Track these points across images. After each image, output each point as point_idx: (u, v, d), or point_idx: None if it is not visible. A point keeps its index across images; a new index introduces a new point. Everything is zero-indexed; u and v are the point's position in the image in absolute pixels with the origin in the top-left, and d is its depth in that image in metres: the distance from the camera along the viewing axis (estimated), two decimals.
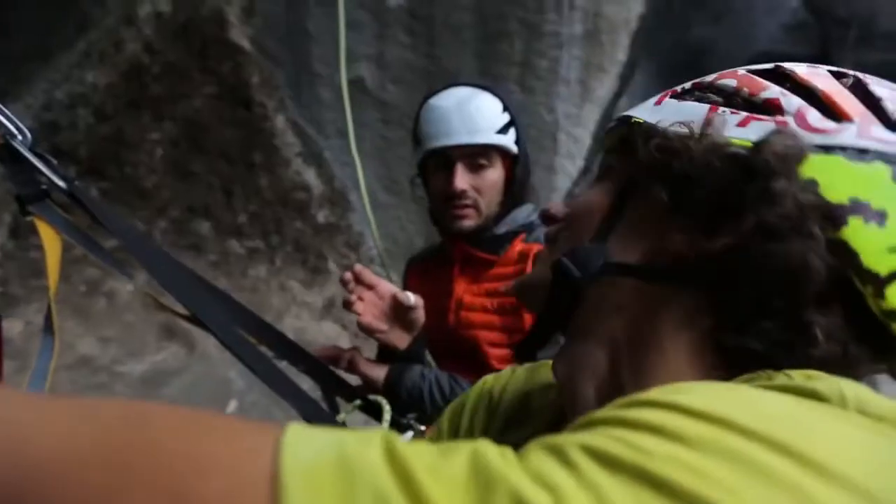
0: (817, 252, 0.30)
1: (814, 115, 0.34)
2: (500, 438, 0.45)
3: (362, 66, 2.69)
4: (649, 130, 0.36)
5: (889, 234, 0.30)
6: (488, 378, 0.52)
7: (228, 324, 0.70)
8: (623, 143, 0.39)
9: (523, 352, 0.42)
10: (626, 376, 0.34)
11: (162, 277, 0.64)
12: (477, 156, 0.89)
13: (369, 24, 2.67)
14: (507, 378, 0.51)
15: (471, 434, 0.49)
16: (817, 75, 0.36)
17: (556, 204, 0.45)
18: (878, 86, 0.35)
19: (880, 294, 0.30)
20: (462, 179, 0.89)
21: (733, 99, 0.36)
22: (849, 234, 0.30)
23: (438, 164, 0.91)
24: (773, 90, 0.35)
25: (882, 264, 0.30)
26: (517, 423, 0.46)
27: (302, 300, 2.77)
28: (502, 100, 0.91)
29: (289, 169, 2.94)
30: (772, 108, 0.34)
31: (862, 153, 0.31)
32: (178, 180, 2.75)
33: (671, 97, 0.38)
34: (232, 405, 2.02)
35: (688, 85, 0.39)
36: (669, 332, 0.34)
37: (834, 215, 0.30)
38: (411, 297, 0.78)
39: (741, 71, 0.38)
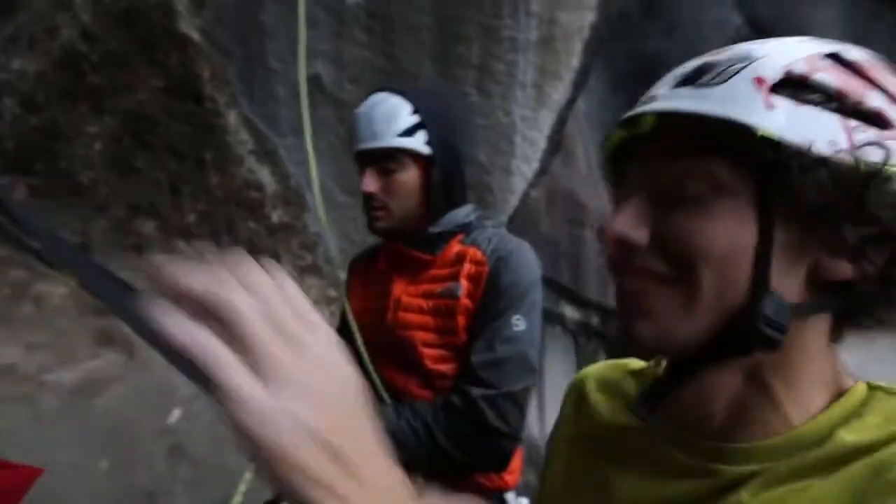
0: None
1: None
2: (589, 421, 0.47)
3: (319, 63, 2.64)
4: (796, 152, 0.32)
5: None
6: (575, 378, 0.53)
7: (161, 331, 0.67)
8: (732, 150, 0.33)
9: (649, 405, 0.39)
10: (775, 380, 0.35)
11: (87, 280, 0.60)
12: (383, 159, 0.90)
13: (326, 21, 2.63)
14: (587, 372, 0.52)
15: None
16: (885, 73, 0.35)
17: (623, 222, 0.36)
18: None
19: None
20: (370, 183, 0.90)
21: (845, 105, 0.33)
22: None
23: (360, 167, 0.93)
24: (872, 97, 0.34)
25: None
26: (606, 405, 0.47)
27: None
28: (413, 102, 0.91)
29: (241, 167, 2.83)
30: (883, 122, 0.33)
31: None
32: (120, 177, 2.60)
33: (780, 96, 0.33)
34: (175, 414, 1.92)
35: (777, 73, 0.33)
36: (814, 342, 0.35)
37: None
38: None
39: (817, 58, 0.34)
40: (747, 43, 0.36)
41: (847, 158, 0.32)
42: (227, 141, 2.77)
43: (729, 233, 0.34)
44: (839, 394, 0.36)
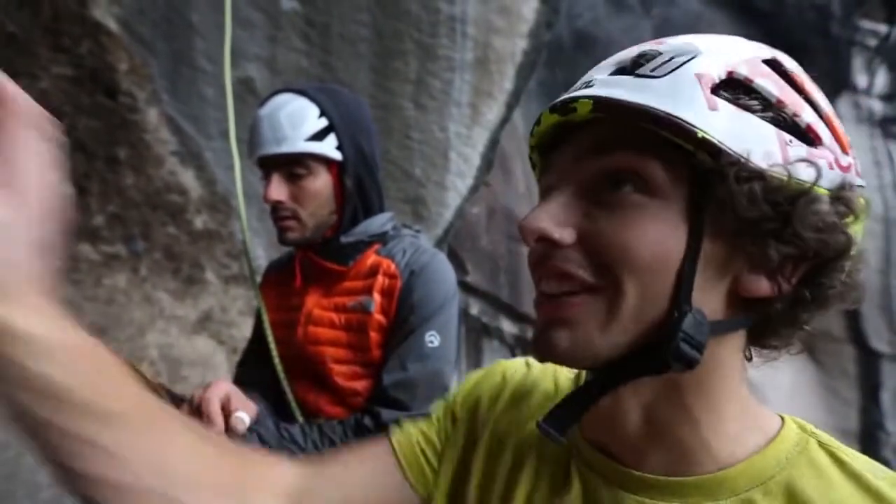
0: (845, 283, 0.33)
1: (838, 150, 0.33)
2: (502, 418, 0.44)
3: (252, 66, 2.56)
4: (734, 161, 0.30)
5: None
6: (500, 365, 0.48)
7: None
8: (669, 151, 0.31)
9: (558, 423, 0.34)
10: (693, 399, 0.34)
11: None
12: (291, 165, 0.85)
13: (261, 24, 2.56)
14: (513, 365, 0.48)
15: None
16: (814, 87, 0.34)
17: (546, 220, 0.33)
18: (819, 95, 0.34)
19: None
20: (277, 190, 0.85)
21: (782, 117, 0.32)
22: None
23: (264, 174, 0.88)
24: (806, 111, 0.33)
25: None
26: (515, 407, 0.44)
27: (171, 313, 2.49)
28: (321, 105, 0.86)
29: (161, 168, 2.65)
30: (814, 138, 0.32)
31: (860, 190, 0.33)
32: None
33: (722, 98, 0.31)
34: None
35: (720, 72, 0.32)
36: (729, 356, 0.34)
37: (855, 254, 0.33)
38: (243, 425, 0.73)
39: (759, 62, 0.33)
40: (687, 36, 0.34)
41: (781, 173, 0.31)
42: (144, 139, 2.58)
43: (658, 241, 0.31)
44: (766, 430, 0.35)
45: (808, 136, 0.32)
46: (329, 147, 0.85)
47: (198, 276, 2.64)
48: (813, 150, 0.32)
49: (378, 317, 0.82)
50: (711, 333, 0.32)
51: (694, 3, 2.91)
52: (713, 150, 0.30)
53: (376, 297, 0.83)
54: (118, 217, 2.44)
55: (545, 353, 0.34)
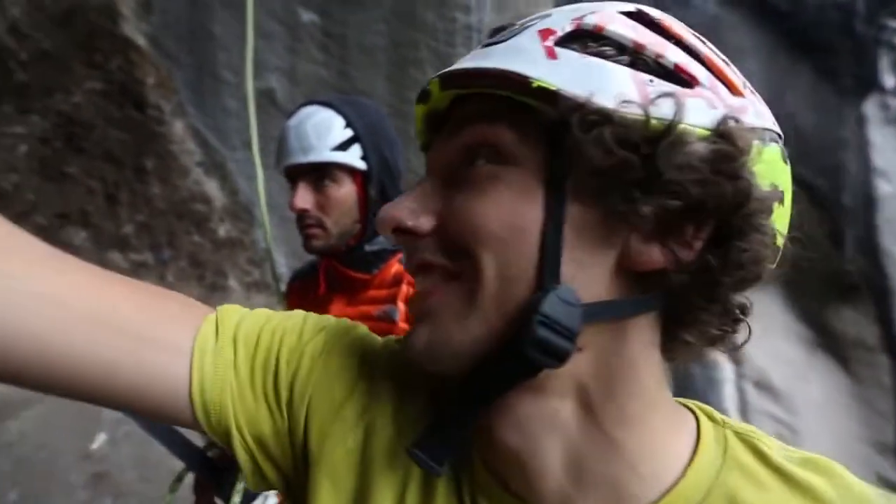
0: (769, 245, 0.28)
1: (723, 91, 0.29)
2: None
3: (273, 77, 2.63)
4: (576, 106, 0.26)
5: (787, 210, 0.30)
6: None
7: None
8: (513, 111, 0.28)
9: (434, 452, 0.29)
10: (610, 420, 0.28)
11: None
12: (316, 174, 0.87)
13: (281, 36, 2.63)
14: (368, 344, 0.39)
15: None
16: (687, 32, 0.30)
17: (403, 209, 0.30)
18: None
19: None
20: (302, 199, 0.87)
21: (642, 60, 0.28)
22: (773, 219, 0.29)
23: (290, 184, 0.90)
24: (672, 51, 0.29)
25: (781, 237, 0.30)
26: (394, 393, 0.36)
27: None
28: (346, 116, 0.88)
29: (186, 178, 2.73)
30: (687, 78, 0.28)
31: (764, 133, 0.29)
32: (48, 182, 2.44)
33: (561, 46, 0.28)
34: (100, 438, 1.78)
35: (566, 25, 0.29)
36: (641, 354, 0.29)
37: (770, 206, 0.28)
38: None
39: (618, 14, 0.29)
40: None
41: (635, 112, 0.26)
42: (171, 150, 2.67)
43: (513, 209, 0.28)
44: (688, 429, 0.31)
45: (678, 77, 0.28)
46: (354, 157, 0.87)
47: (221, 283, 2.70)
48: (686, 90, 0.28)
49: (403, 326, 0.83)
50: (592, 317, 0.27)
51: (710, 6, 2.86)
52: (552, 99, 0.27)
53: (401, 305, 0.84)
54: (146, 226, 2.53)
55: (406, 354, 0.30)
